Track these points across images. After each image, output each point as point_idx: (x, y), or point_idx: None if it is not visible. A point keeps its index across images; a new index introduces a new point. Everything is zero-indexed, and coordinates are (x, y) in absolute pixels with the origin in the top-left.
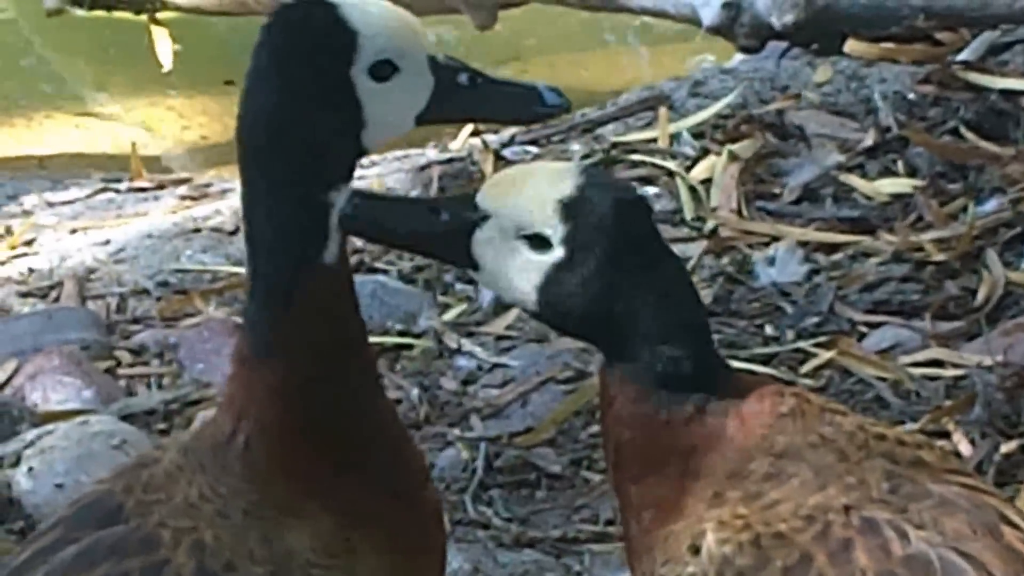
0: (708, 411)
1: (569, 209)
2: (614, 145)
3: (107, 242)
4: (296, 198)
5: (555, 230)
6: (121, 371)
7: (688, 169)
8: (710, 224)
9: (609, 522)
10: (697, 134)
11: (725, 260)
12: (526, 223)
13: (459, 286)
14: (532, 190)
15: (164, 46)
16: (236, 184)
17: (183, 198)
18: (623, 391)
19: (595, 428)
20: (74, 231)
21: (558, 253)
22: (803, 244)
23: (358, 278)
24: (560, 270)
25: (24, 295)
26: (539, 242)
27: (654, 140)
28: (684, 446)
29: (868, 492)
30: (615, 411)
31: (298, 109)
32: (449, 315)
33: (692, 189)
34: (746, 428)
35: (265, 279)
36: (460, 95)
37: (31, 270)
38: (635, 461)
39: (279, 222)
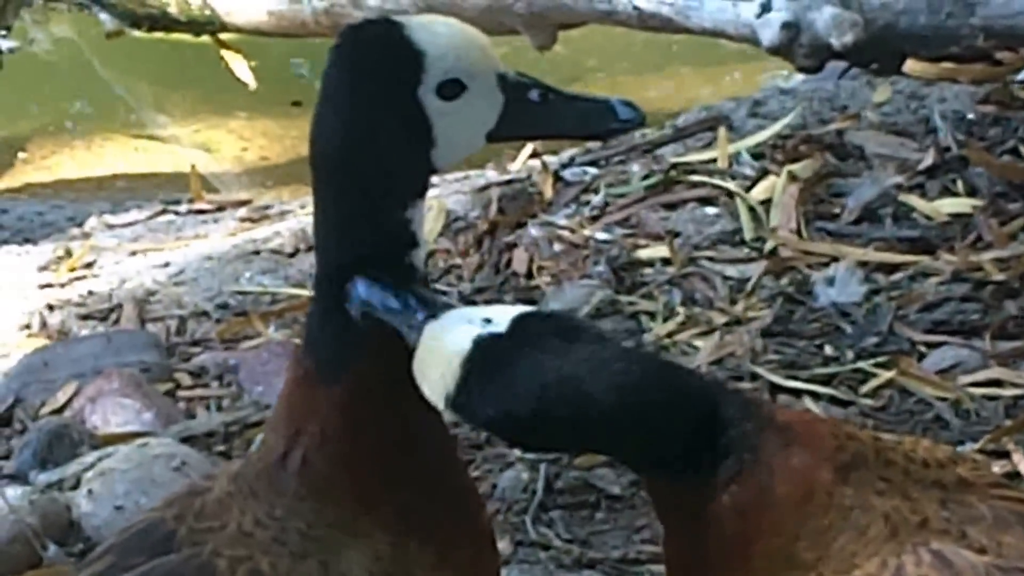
0: (748, 477)
1: (453, 408)
2: (674, 166)
3: (167, 264)
4: (370, 218)
5: (457, 420)
6: (181, 393)
7: (748, 189)
8: (770, 244)
9: None
10: (757, 154)
11: (785, 280)
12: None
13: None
14: (430, 381)
15: (240, 66)
16: (295, 206)
17: (243, 220)
18: (653, 485)
19: None
20: (134, 253)
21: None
22: (863, 264)
23: None
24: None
25: (84, 318)
26: None
27: (714, 161)
28: (733, 517)
29: (930, 524)
30: (655, 503)
31: (367, 130)
32: None
33: (752, 209)
34: (804, 482)
35: (336, 302)
36: (531, 112)
37: (91, 292)
38: (687, 543)
39: (352, 243)
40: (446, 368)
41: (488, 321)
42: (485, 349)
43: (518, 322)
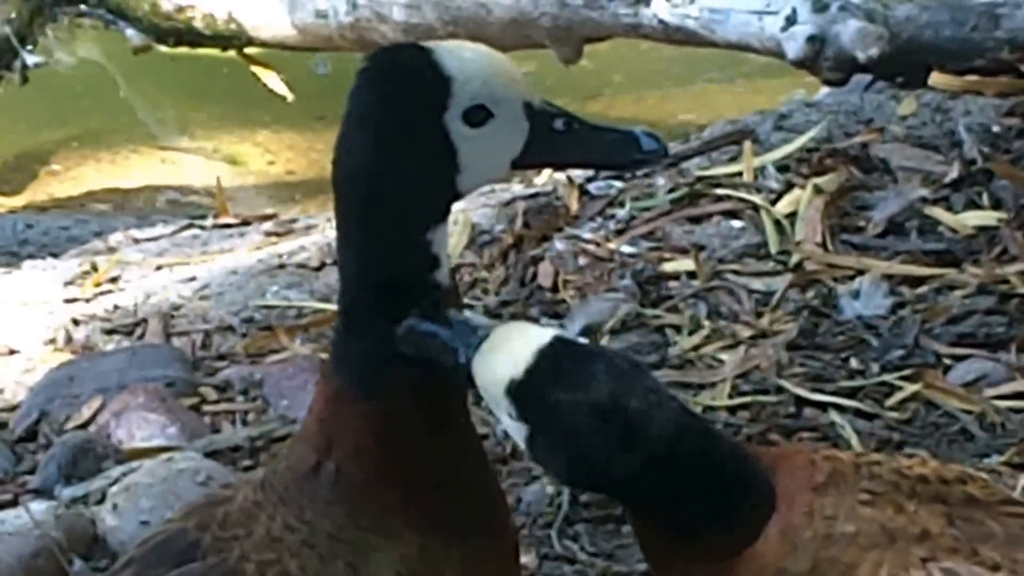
0: (750, 524)
1: (516, 394)
2: (699, 179)
3: (192, 279)
4: (392, 241)
5: (511, 409)
6: (206, 408)
7: (773, 203)
8: (795, 258)
9: None
10: (782, 168)
11: (810, 294)
12: (493, 397)
13: (544, 321)
14: (495, 366)
15: (273, 80)
16: (321, 220)
17: (268, 234)
18: (647, 531)
19: None
20: (159, 268)
21: (523, 427)
22: (888, 277)
23: None
24: (531, 440)
25: (109, 332)
26: (509, 414)
27: (739, 174)
28: (728, 556)
29: (936, 541)
30: (645, 546)
31: (392, 155)
32: None
33: (777, 223)
34: (787, 507)
35: (364, 321)
36: (556, 141)
37: (116, 307)
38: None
39: (375, 265)
40: (518, 355)
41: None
42: (567, 344)
43: (594, 343)
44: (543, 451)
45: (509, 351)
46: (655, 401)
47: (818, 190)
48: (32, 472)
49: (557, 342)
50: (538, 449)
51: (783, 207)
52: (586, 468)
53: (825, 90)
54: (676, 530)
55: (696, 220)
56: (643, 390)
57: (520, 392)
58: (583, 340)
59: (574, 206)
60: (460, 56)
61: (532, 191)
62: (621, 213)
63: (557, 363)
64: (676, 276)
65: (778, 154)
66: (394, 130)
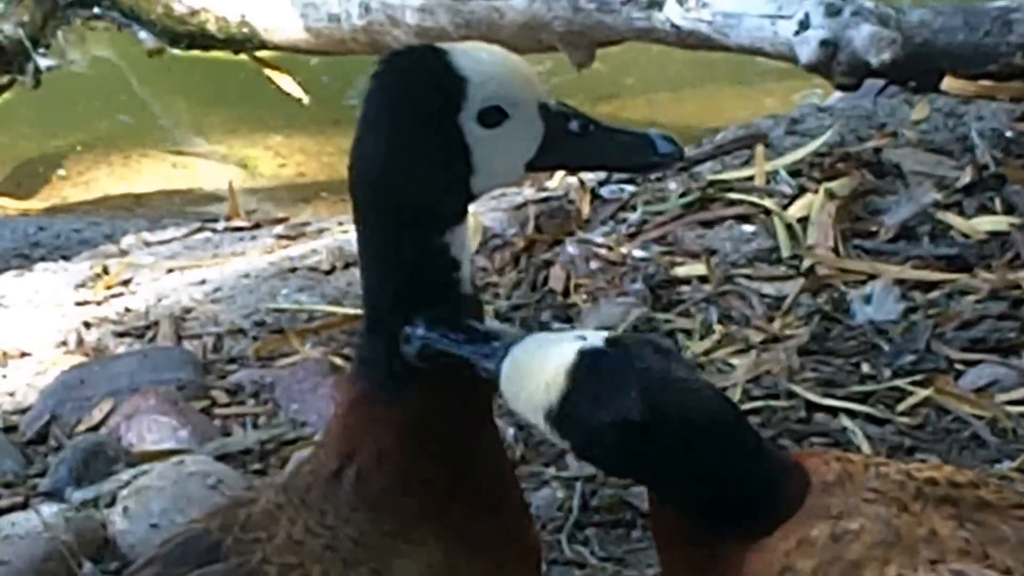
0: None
1: (555, 420)
2: (711, 183)
3: (203, 282)
4: (410, 243)
5: (551, 433)
6: (217, 411)
7: (785, 207)
8: (807, 262)
9: None
10: (794, 172)
11: (822, 298)
12: (529, 420)
13: (556, 325)
14: (528, 394)
15: (287, 82)
16: (333, 223)
17: (280, 237)
18: (667, 525)
19: None
20: (170, 271)
21: (565, 443)
22: (900, 282)
23: None
24: (574, 448)
25: (120, 335)
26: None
27: (751, 178)
28: (738, 554)
29: (945, 543)
30: (659, 529)
31: (407, 156)
32: None
33: (789, 227)
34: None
35: (386, 325)
36: (571, 143)
37: (127, 310)
38: (685, 560)
39: (395, 269)
40: (549, 380)
41: (582, 338)
42: (592, 358)
43: (613, 339)
44: (588, 457)
45: (541, 377)
46: (690, 392)
47: (830, 194)
48: (43, 475)
49: (582, 358)
50: (583, 454)
51: (795, 211)
52: (630, 468)
53: (838, 94)
54: (704, 522)
55: (708, 224)
56: (676, 385)
57: (559, 420)
58: (604, 337)
59: (586, 210)
60: (476, 57)
61: (544, 195)
62: (633, 217)
63: (588, 383)
64: (688, 280)
65: (790, 158)
66: (408, 131)
